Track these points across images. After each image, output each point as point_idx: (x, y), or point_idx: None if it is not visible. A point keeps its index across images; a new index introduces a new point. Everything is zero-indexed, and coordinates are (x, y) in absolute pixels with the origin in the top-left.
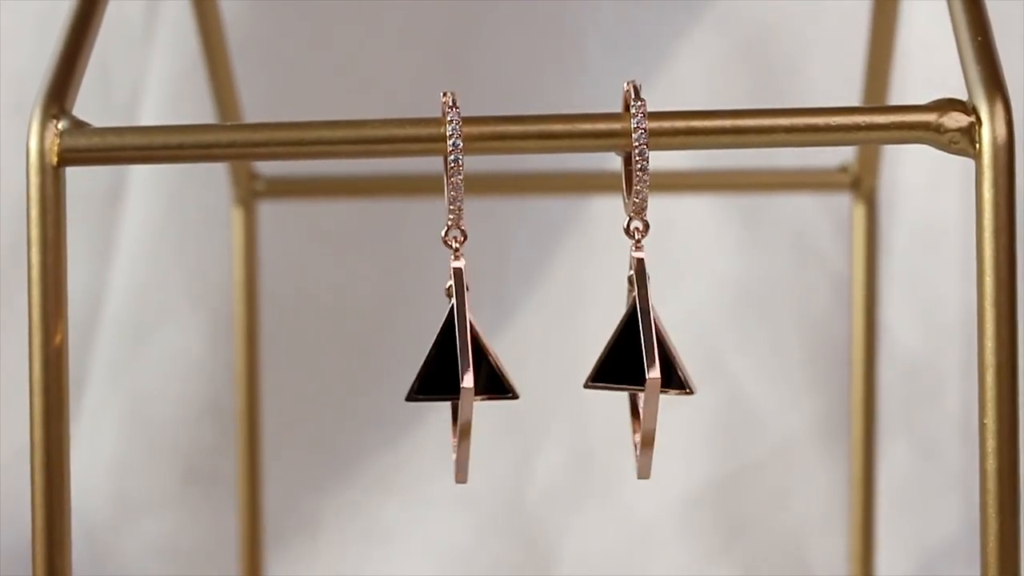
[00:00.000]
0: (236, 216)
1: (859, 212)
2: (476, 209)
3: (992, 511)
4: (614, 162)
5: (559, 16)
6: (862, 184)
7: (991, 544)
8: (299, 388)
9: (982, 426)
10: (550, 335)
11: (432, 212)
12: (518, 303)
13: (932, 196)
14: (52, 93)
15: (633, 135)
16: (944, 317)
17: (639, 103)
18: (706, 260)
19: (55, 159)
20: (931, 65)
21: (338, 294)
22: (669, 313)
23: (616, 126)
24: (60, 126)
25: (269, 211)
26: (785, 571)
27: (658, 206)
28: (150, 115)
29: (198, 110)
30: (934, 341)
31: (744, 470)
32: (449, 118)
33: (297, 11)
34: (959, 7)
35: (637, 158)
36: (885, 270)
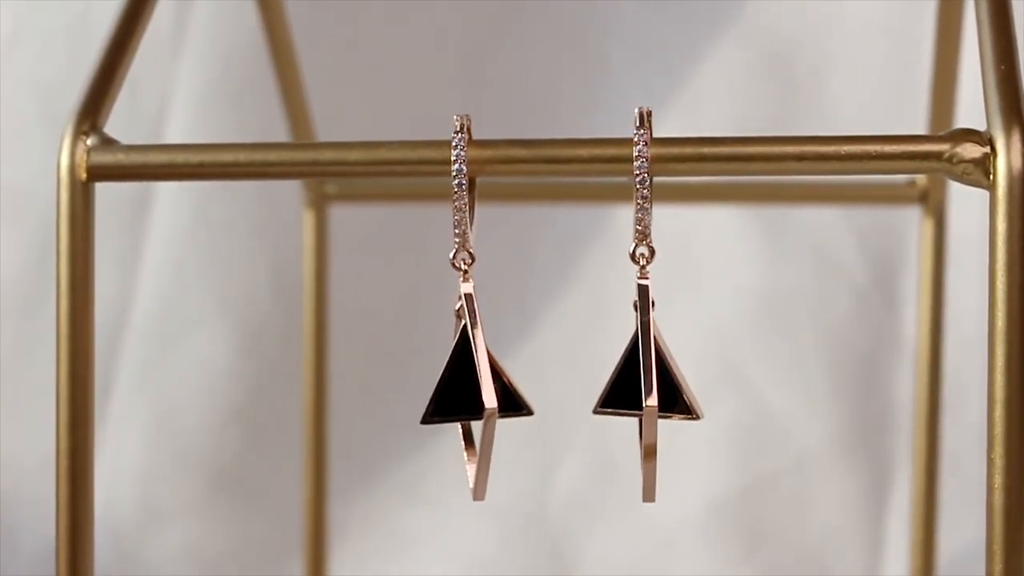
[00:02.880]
0: (307, 219)
1: (928, 226)
2: (501, 217)
3: (997, 546)
4: None
5: (583, 29)
6: (930, 198)
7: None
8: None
9: (990, 461)
10: (573, 345)
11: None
12: (542, 312)
13: (957, 210)
14: (85, 110)
15: (635, 163)
16: (966, 329)
17: (642, 131)
18: (729, 271)
19: (84, 175)
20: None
21: (365, 302)
22: (691, 324)
23: (621, 152)
24: (90, 143)
25: (292, 219)
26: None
27: (684, 217)
28: (177, 127)
29: (224, 123)
30: (956, 353)
31: (765, 480)
32: (454, 143)
33: (325, 22)
34: (987, 34)
35: (638, 186)
36: (908, 282)
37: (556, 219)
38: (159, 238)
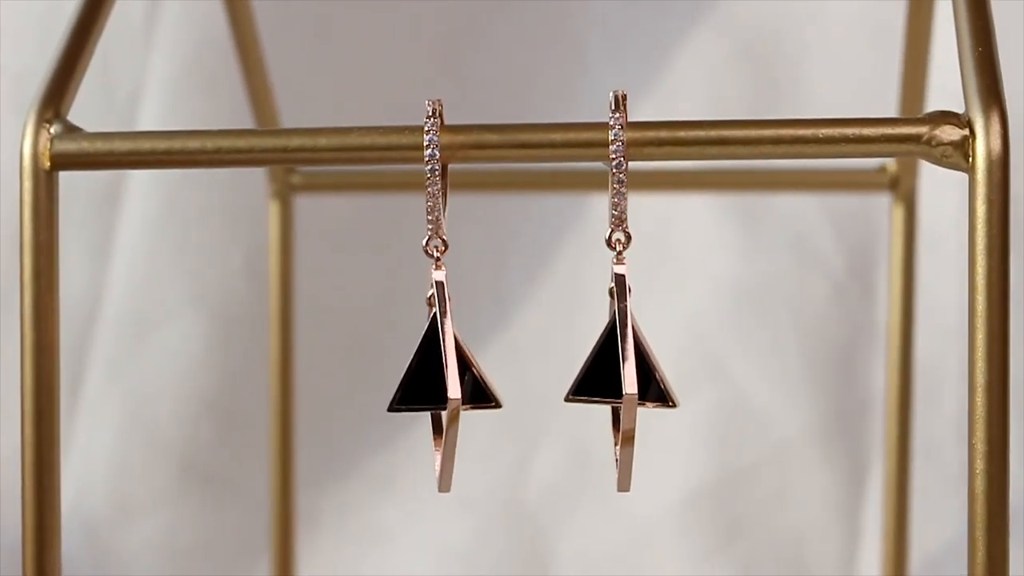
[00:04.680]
0: (273, 210)
1: (898, 213)
2: (476, 208)
3: (980, 532)
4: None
5: (560, 19)
6: (901, 185)
7: (979, 565)
8: (298, 387)
9: (971, 446)
10: (549, 334)
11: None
12: (517, 302)
13: (932, 198)
14: (48, 97)
15: (611, 147)
16: (943, 320)
17: (618, 115)
18: (706, 261)
19: (47, 164)
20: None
21: (338, 293)
22: (669, 314)
23: (596, 136)
24: (53, 131)
25: (266, 209)
26: (783, 572)
27: (660, 207)
28: (150, 116)
29: (197, 111)
30: (933, 344)
31: (742, 471)
32: (427, 127)
33: (299, 13)
34: (964, 16)
35: (614, 170)
36: (885, 272)
37: (531, 210)
38: (131, 228)
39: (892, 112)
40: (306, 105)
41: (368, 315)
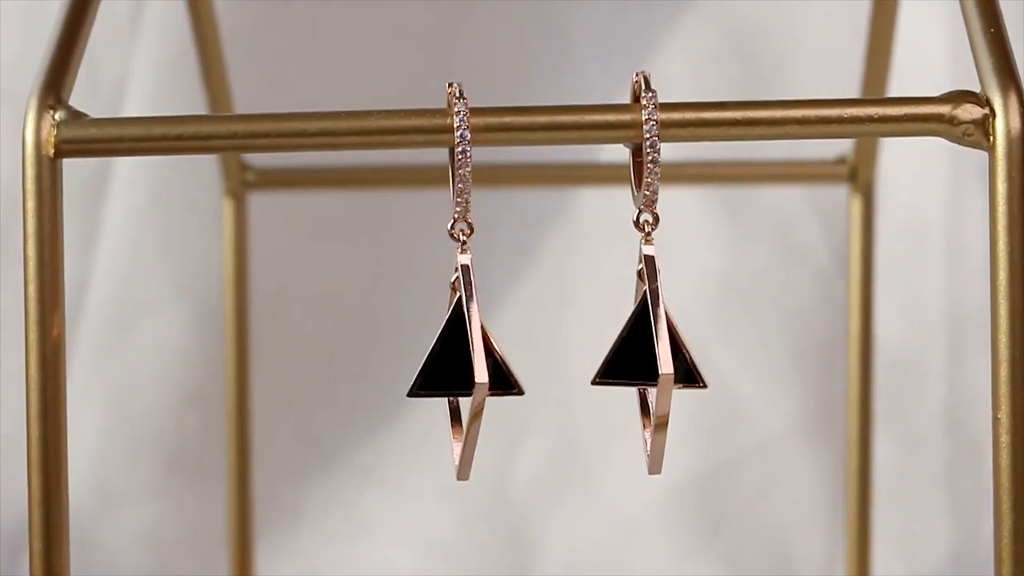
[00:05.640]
0: (227, 207)
1: (856, 205)
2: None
3: (1006, 507)
4: (599, 153)
5: (547, 10)
6: (859, 176)
7: (1005, 539)
8: (282, 378)
9: (995, 420)
10: (533, 327)
11: (417, 203)
12: (501, 295)
13: (917, 192)
14: (48, 83)
15: (644, 127)
16: (928, 312)
17: (650, 94)
18: (692, 254)
19: (52, 151)
20: (919, 59)
21: (322, 285)
22: None
23: (626, 117)
24: (57, 117)
25: (256, 202)
26: (768, 565)
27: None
28: (136, 106)
29: (184, 101)
30: (918, 337)
31: (728, 464)
32: (456, 109)
33: (286, 4)
34: (971, 1)
35: (649, 150)
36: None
37: (515, 204)
38: (116, 219)
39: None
40: (292, 96)
41: (353, 307)
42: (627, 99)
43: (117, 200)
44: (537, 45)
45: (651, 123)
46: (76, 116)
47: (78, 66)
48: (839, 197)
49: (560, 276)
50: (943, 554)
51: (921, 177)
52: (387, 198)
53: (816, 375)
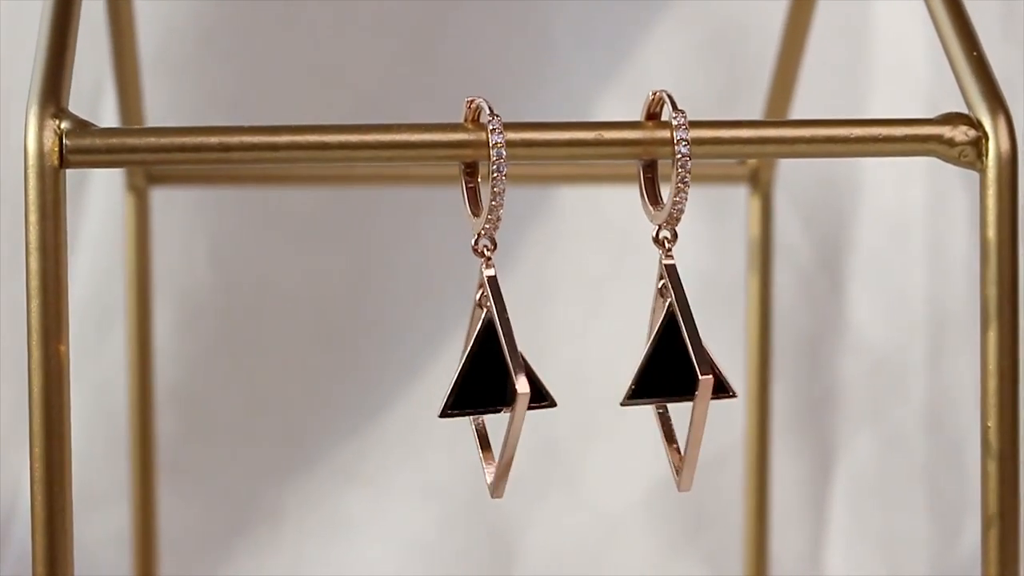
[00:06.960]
0: (129, 203)
1: (755, 205)
2: (440, 199)
3: (993, 512)
4: None
5: (528, 9)
6: (760, 178)
7: (992, 544)
8: (261, 378)
9: (985, 429)
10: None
11: (399, 202)
12: None
13: (898, 191)
14: (47, 91)
15: (676, 146)
16: (909, 311)
17: (680, 114)
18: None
19: (56, 160)
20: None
21: (301, 284)
22: (633, 305)
23: (651, 135)
24: (63, 126)
25: (232, 198)
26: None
27: (623, 197)
28: (112, 105)
29: (161, 102)
30: (899, 334)
31: (708, 463)
32: (492, 126)
33: (265, 4)
34: (949, 27)
35: (680, 170)
36: (851, 264)
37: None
38: (95, 217)
39: (857, 106)
40: (274, 97)
41: (333, 306)
42: (607, 96)
43: (93, 200)
44: (517, 42)
45: (683, 143)
46: (82, 125)
47: (71, 72)
48: (820, 197)
49: (541, 275)
50: (923, 552)
51: (902, 175)
52: (366, 195)
53: (797, 373)
